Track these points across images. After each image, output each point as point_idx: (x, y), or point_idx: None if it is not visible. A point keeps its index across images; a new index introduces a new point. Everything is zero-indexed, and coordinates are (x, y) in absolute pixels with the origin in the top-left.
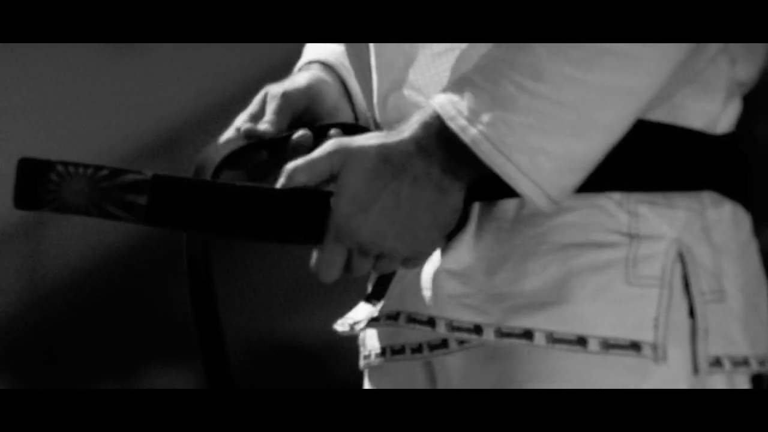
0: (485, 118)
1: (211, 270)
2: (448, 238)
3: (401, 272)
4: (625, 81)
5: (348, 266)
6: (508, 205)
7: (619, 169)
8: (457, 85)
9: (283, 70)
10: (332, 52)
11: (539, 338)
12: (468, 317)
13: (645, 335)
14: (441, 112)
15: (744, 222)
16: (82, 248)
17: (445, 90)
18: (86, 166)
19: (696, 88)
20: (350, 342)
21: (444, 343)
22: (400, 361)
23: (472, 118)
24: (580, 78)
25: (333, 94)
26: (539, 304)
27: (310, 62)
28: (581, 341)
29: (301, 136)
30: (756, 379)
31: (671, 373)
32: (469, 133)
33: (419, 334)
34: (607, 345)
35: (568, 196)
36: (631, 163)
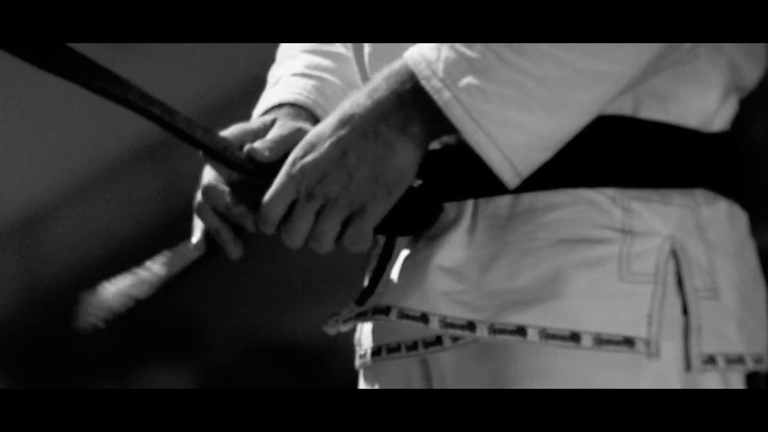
0: (461, 82)
1: None
2: (418, 231)
3: (392, 268)
4: (603, 65)
5: (290, 210)
6: (502, 202)
7: (613, 165)
8: (433, 46)
9: None
10: (302, 89)
11: (532, 334)
12: (461, 314)
13: (638, 331)
14: (415, 69)
15: (740, 220)
16: (80, 248)
17: (419, 47)
18: None
19: (691, 86)
20: (346, 341)
21: (438, 340)
22: (395, 360)
23: (448, 81)
24: (561, 57)
25: None
26: (532, 300)
27: (280, 105)
28: (574, 337)
29: None
30: (752, 377)
31: (664, 371)
32: (443, 95)
33: (414, 331)
34: (601, 340)
35: (531, 173)
36: (625, 159)
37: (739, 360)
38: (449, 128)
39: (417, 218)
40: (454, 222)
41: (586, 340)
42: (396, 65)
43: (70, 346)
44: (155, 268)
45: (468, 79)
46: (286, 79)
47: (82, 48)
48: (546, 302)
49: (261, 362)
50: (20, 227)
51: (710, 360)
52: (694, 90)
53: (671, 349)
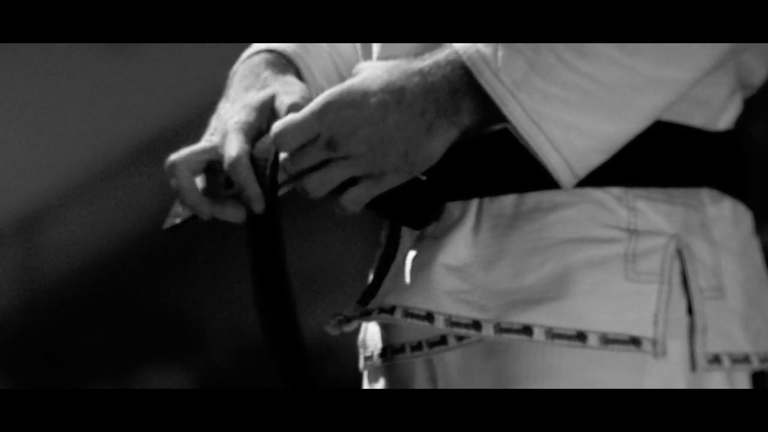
0: (521, 83)
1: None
2: (419, 227)
3: (396, 267)
4: (668, 72)
5: (305, 149)
6: (507, 201)
7: (619, 164)
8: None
9: None
10: (284, 45)
11: (538, 333)
12: (467, 313)
13: (645, 331)
14: (469, 64)
15: (745, 219)
16: (78, 248)
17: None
18: None
19: (698, 86)
20: (346, 342)
21: (443, 340)
22: (400, 361)
23: (506, 80)
24: (626, 63)
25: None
26: (538, 300)
27: (262, 50)
28: (581, 336)
29: None
30: (758, 376)
31: (669, 371)
32: (502, 95)
33: (419, 332)
34: (607, 340)
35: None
36: (631, 158)
37: (745, 359)
38: (497, 123)
39: (418, 212)
40: (459, 221)
41: (593, 340)
42: (448, 55)
43: (69, 346)
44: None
45: (527, 80)
46: (264, 50)
47: (81, 48)
48: (552, 301)
49: (259, 362)
50: (19, 227)
51: (715, 359)
52: (700, 89)
53: (676, 348)
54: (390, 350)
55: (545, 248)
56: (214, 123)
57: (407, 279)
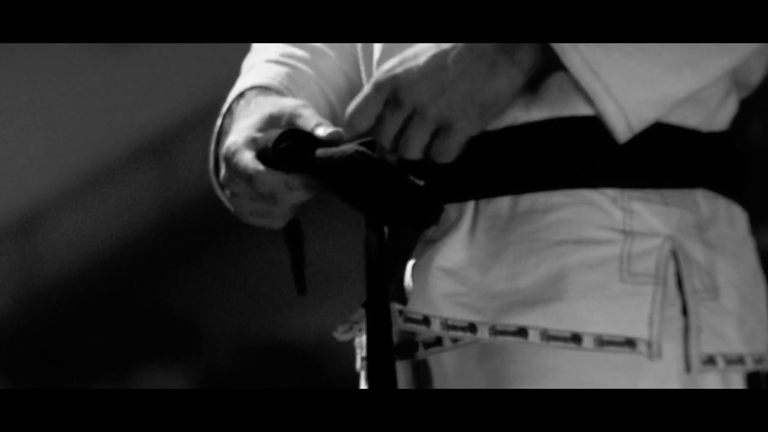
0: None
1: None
2: (420, 230)
3: (397, 271)
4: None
5: (380, 119)
6: (503, 203)
7: (613, 165)
8: None
9: None
10: (275, 75)
11: (534, 336)
12: (462, 316)
13: (640, 332)
14: None
15: (740, 220)
16: (78, 249)
17: None
18: None
19: None
20: (343, 342)
21: (438, 341)
22: (397, 361)
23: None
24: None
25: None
26: (533, 302)
27: (250, 87)
28: (576, 338)
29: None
30: (753, 376)
31: (663, 372)
32: (569, 52)
33: (415, 333)
34: (602, 342)
35: (643, 129)
36: (625, 159)
37: (739, 360)
38: (557, 66)
39: (418, 214)
40: (455, 224)
41: (588, 342)
42: None
43: (69, 346)
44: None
45: (587, 43)
46: (259, 65)
47: (80, 48)
48: (547, 303)
49: (259, 362)
50: (19, 226)
51: (710, 360)
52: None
53: (671, 349)
54: None
55: (540, 250)
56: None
57: (405, 282)
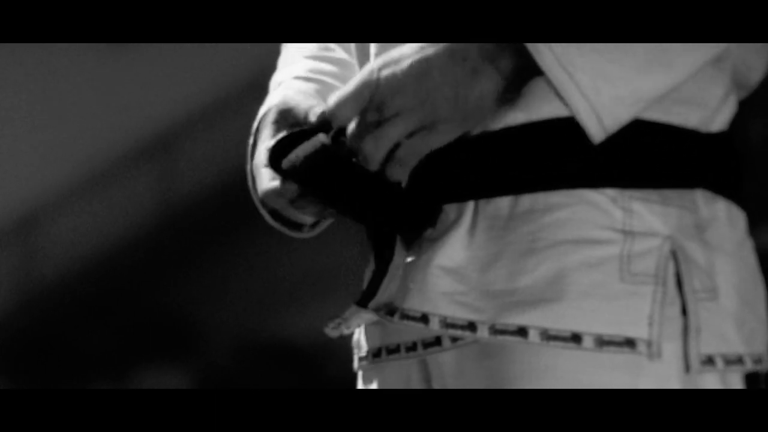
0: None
1: None
2: (417, 231)
3: (394, 269)
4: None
5: (360, 117)
6: (502, 203)
7: (613, 165)
8: None
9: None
10: (304, 92)
11: (533, 335)
12: (462, 314)
13: (640, 332)
14: None
15: (739, 220)
16: (77, 249)
17: None
18: None
19: (691, 86)
20: (343, 342)
21: (437, 341)
22: (395, 361)
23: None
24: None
25: None
26: (533, 301)
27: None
28: (576, 338)
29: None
30: (752, 377)
31: (663, 372)
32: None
33: (413, 332)
34: (602, 342)
35: (615, 130)
36: (625, 159)
37: (738, 360)
38: (537, 72)
39: (416, 217)
40: (455, 223)
41: (588, 342)
42: None
43: (69, 346)
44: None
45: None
46: (288, 83)
47: (80, 48)
48: (547, 303)
49: (258, 362)
50: (19, 226)
51: (709, 361)
52: (695, 90)
53: (670, 350)
54: (385, 350)
55: (540, 250)
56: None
57: (404, 280)
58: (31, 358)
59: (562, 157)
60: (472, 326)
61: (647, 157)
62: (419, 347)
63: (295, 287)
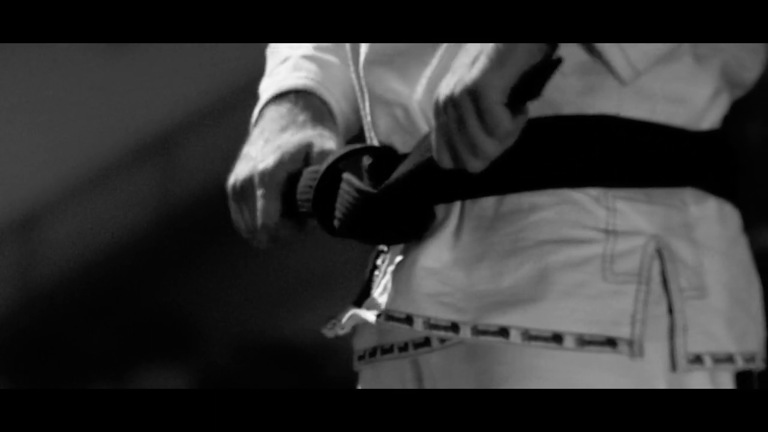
0: None
1: None
2: (411, 238)
3: (385, 269)
4: None
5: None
6: (488, 203)
7: (597, 165)
8: None
9: None
10: (308, 72)
11: (515, 335)
12: (445, 315)
13: (621, 331)
14: None
15: (731, 219)
16: (77, 248)
17: None
18: None
19: (678, 84)
20: (343, 342)
21: (427, 341)
22: (389, 361)
23: None
24: None
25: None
26: (515, 302)
27: (287, 90)
28: (557, 338)
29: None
30: (743, 375)
31: (649, 371)
32: None
33: (405, 333)
34: (583, 341)
35: (649, 70)
36: (609, 159)
37: (729, 359)
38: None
39: (409, 225)
40: (441, 223)
41: (569, 341)
42: None
43: (68, 346)
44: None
45: None
46: (295, 60)
47: (79, 48)
48: (529, 303)
49: (258, 362)
50: (18, 226)
51: (697, 359)
52: (681, 89)
53: (656, 348)
54: (380, 350)
55: (523, 249)
56: (244, 160)
57: (392, 281)
58: (31, 358)
59: (546, 157)
60: (455, 327)
61: (632, 156)
62: (410, 347)
63: (295, 287)
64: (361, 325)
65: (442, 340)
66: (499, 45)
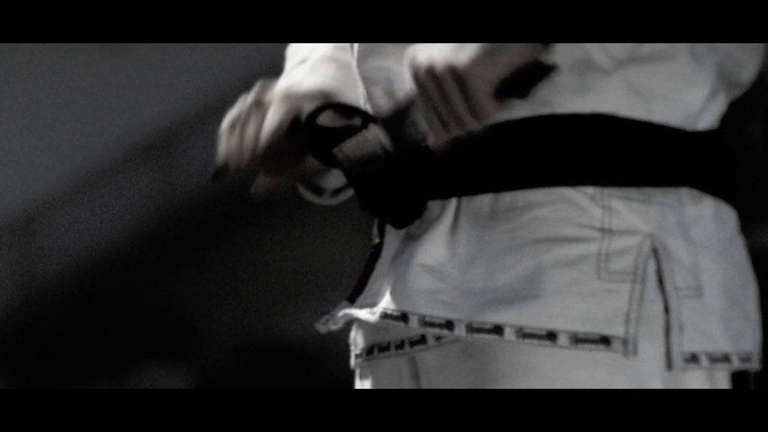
0: None
1: None
2: (401, 225)
3: (381, 266)
4: None
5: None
6: (484, 201)
7: (593, 163)
8: None
9: (278, 70)
10: (325, 75)
11: (509, 333)
12: (440, 312)
13: (615, 330)
14: None
15: (728, 218)
16: (76, 248)
17: None
18: None
19: (675, 84)
20: (341, 341)
21: (423, 339)
22: (386, 358)
23: None
24: None
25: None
26: (510, 299)
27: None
28: (551, 336)
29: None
30: (740, 375)
31: (644, 369)
32: None
33: (402, 330)
34: (577, 339)
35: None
36: (605, 158)
37: (725, 359)
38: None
39: (400, 211)
40: (437, 220)
41: (563, 339)
42: None
43: (68, 346)
44: None
45: None
46: (312, 62)
47: (78, 48)
48: (523, 301)
49: (256, 361)
50: (18, 226)
51: (693, 358)
52: (678, 88)
53: (652, 347)
54: (377, 348)
55: (519, 247)
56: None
57: (387, 278)
58: (30, 358)
59: (542, 156)
60: (449, 324)
61: (628, 155)
62: (406, 345)
63: (293, 287)
64: (358, 323)
65: (438, 338)
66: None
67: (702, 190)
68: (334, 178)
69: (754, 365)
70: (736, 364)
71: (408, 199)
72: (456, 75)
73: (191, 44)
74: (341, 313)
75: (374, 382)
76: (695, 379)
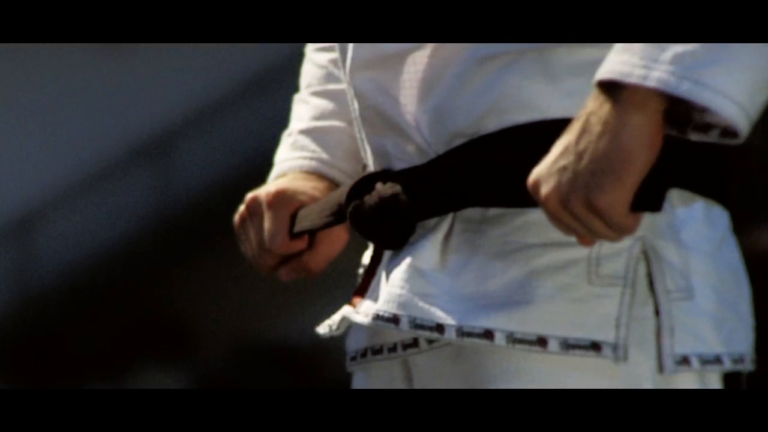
0: (664, 57)
1: None
2: (396, 248)
3: (380, 271)
4: None
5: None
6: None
7: None
8: (617, 52)
9: (277, 70)
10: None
11: (500, 338)
12: (430, 316)
13: (606, 335)
14: (611, 77)
15: (719, 220)
16: (75, 249)
17: (603, 65)
18: None
19: None
20: (338, 343)
21: (415, 342)
22: (379, 361)
23: (650, 64)
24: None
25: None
26: (500, 305)
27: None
28: (541, 341)
29: None
30: (733, 376)
31: (636, 373)
32: (653, 77)
33: (394, 333)
34: (567, 345)
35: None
36: None
37: (716, 360)
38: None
39: (393, 238)
40: (434, 226)
41: (553, 345)
42: (588, 104)
43: (66, 347)
44: None
45: (668, 52)
46: (294, 137)
47: (77, 48)
48: (514, 306)
49: (253, 363)
50: (16, 227)
51: (684, 361)
52: None
53: (643, 350)
54: (370, 351)
55: (510, 253)
56: None
57: (382, 282)
58: (28, 358)
59: (533, 161)
60: (440, 328)
61: None
62: (399, 348)
63: (292, 289)
64: (353, 326)
65: (430, 342)
66: (610, 154)
67: (692, 192)
68: None
69: (747, 366)
70: (728, 366)
71: (400, 230)
72: (594, 209)
73: (190, 46)
74: (340, 317)
75: (368, 384)
76: (686, 381)
